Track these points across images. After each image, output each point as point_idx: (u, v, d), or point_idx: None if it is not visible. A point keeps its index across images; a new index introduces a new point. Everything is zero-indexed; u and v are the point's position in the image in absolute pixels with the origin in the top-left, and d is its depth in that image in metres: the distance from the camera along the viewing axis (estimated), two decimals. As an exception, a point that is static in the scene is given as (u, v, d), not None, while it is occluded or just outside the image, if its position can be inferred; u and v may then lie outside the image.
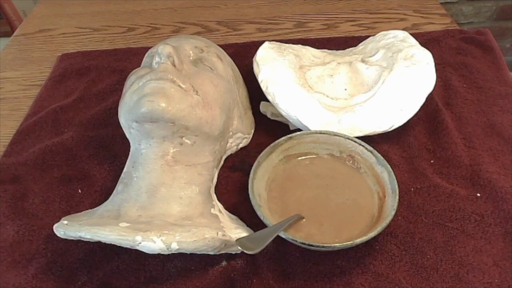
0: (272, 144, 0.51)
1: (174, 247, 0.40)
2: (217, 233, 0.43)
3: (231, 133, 0.55)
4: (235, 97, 0.55)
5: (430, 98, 0.59)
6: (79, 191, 0.54)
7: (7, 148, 0.61)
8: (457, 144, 0.57)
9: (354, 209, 0.48)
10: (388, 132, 0.56)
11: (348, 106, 0.58)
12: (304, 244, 0.43)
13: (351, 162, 0.53)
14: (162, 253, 0.40)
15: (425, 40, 0.74)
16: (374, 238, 0.43)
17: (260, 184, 0.49)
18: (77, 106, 0.67)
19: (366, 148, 0.51)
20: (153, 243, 0.39)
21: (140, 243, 0.39)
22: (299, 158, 0.54)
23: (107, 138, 0.60)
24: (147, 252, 0.40)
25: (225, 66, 0.54)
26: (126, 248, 0.40)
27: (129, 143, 0.50)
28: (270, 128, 0.61)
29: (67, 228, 0.42)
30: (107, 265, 0.46)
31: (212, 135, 0.49)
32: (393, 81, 0.57)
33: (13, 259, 0.48)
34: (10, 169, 0.57)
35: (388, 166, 0.49)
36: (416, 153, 0.57)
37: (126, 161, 0.49)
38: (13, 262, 0.47)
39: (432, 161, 0.56)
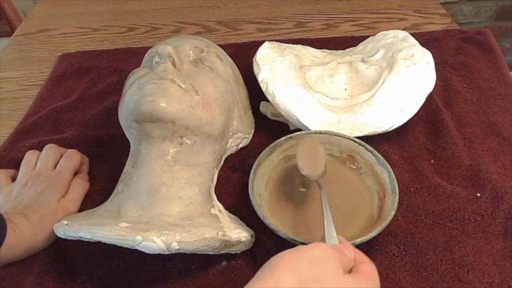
0: (272, 144, 0.51)
1: (174, 247, 0.40)
2: (217, 233, 0.43)
3: (231, 133, 0.55)
4: (235, 97, 0.55)
5: (430, 98, 0.59)
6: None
7: (5, 143, 0.61)
8: (457, 144, 0.57)
9: (354, 209, 0.48)
10: (388, 132, 0.56)
11: (348, 106, 0.58)
12: (304, 244, 0.42)
13: (351, 162, 0.53)
14: (162, 253, 0.40)
15: (425, 40, 0.74)
16: (374, 238, 0.43)
17: (260, 184, 0.49)
18: (77, 106, 0.67)
19: (366, 148, 0.51)
20: (153, 243, 0.39)
21: (140, 243, 0.39)
22: (299, 158, 0.53)
23: (107, 138, 0.60)
24: (147, 252, 0.40)
25: (225, 66, 0.54)
26: (126, 248, 0.40)
27: (129, 143, 0.50)
28: (270, 128, 0.61)
29: (67, 228, 0.42)
30: (107, 265, 0.46)
31: (212, 135, 0.49)
32: (393, 81, 0.57)
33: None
34: (9, 165, 0.57)
35: (388, 166, 0.49)
36: (416, 153, 0.57)
37: (126, 161, 0.49)
38: (17, 260, 0.47)
39: (432, 161, 0.56)
